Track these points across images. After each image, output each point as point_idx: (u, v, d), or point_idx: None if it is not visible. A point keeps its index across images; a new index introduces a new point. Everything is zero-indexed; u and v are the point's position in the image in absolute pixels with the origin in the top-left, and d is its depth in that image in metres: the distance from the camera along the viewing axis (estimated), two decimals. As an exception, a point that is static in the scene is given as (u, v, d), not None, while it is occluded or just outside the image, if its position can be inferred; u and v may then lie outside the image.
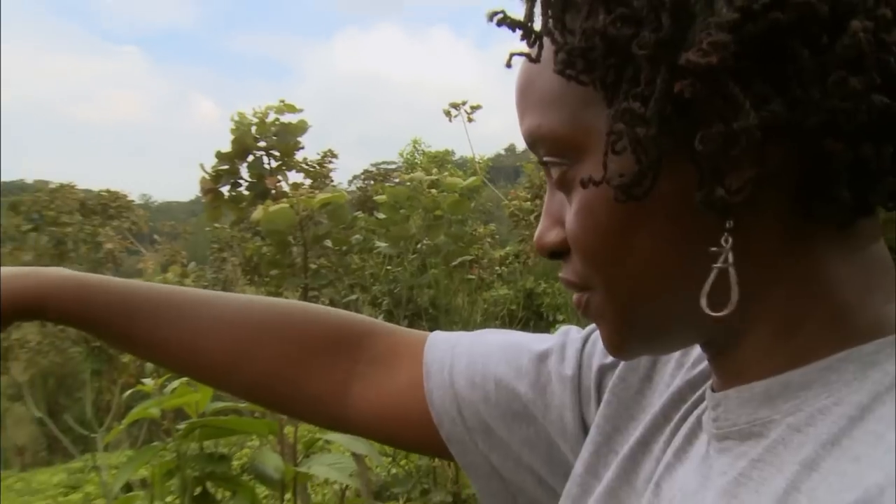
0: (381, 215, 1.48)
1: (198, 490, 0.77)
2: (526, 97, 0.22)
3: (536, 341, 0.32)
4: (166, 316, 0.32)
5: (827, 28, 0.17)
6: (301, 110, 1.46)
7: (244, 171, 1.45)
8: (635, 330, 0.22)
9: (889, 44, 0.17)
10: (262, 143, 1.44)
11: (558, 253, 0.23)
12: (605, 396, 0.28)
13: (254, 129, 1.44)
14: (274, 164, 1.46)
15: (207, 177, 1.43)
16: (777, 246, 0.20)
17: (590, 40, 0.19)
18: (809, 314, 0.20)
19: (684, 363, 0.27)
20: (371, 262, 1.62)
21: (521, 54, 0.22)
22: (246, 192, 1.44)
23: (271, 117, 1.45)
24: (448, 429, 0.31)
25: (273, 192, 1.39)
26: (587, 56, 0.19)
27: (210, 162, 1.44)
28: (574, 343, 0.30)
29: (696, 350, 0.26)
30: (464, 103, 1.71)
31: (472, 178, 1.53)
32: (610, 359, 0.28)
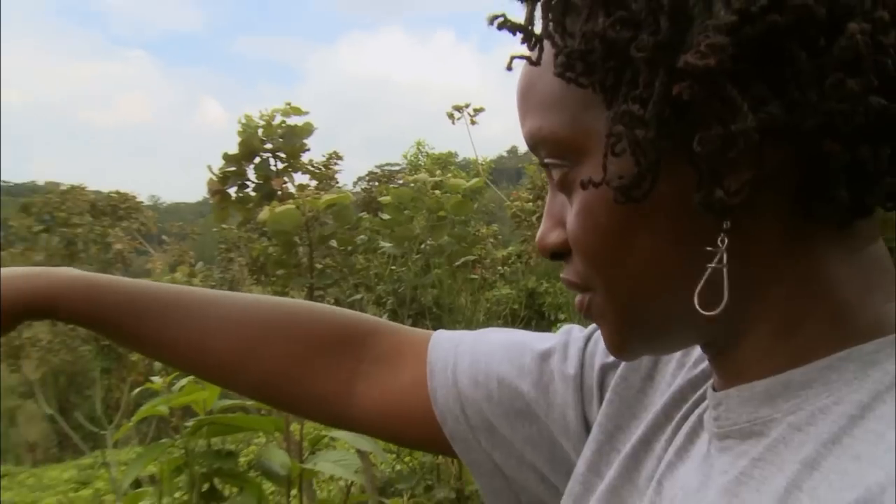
0: (386, 216, 1.49)
1: (205, 486, 0.78)
2: (527, 100, 0.23)
3: (539, 340, 0.32)
4: (174, 316, 0.33)
5: (824, 30, 0.17)
6: (307, 113, 1.47)
7: (251, 173, 1.46)
8: (635, 330, 0.22)
9: (886, 46, 0.17)
10: (268, 146, 1.46)
11: (560, 254, 0.23)
12: (608, 395, 0.28)
13: (260, 131, 1.45)
14: (280, 165, 1.47)
15: (215, 178, 1.45)
16: (776, 246, 0.20)
17: (589, 43, 0.19)
18: (809, 314, 0.20)
19: (685, 363, 0.27)
20: (376, 262, 1.63)
21: (521, 57, 0.22)
22: (253, 194, 1.46)
23: (277, 120, 1.46)
24: (451, 427, 0.31)
25: (279, 193, 1.40)
26: (587, 59, 0.19)
27: (217, 164, 1.46)
28: (576, 342, 0.30)
29: (697, 349, 0.26)
30: (467, 106, 1.71)
31: (474, 180, 1.53)
32: (612, 358, 0.28)
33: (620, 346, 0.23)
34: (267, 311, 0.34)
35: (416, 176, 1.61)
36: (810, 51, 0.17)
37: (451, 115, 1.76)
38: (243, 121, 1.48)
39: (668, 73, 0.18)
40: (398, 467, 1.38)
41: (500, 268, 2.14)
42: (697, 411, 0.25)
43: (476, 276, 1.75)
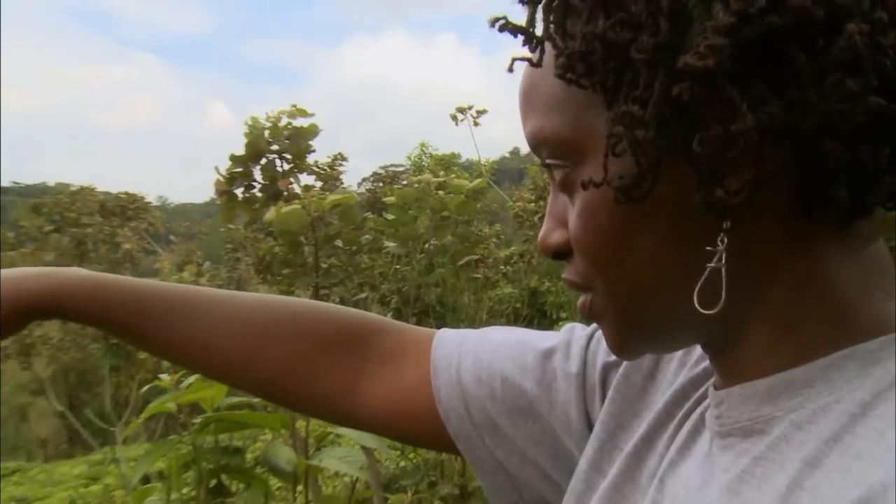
0: (390, 216, 1.50)
1: (213, 482, 0.79)
2: (529, 101, 0.23)
3: (541, 339, 0.32)
4: (181, 316, 0.33)
5: (823, 31, 0.17)
6: (312, 115, 1.48)
7: (257, 174, 1.47)
8: (636, 330, 0.22)
9: (885, 46, 0.17)
10: (274, 147, 1.47)
11: (562, 253, 0.23)
12: (610, 394, 0.28)
13: (267, 133, 1.47)
14: (286, 166, 1.49)
15: (222, 179, 1.46)
16: (777, 246, 0.20)
17: (590, 45, 0.19)
18: (810, 313, 0.20)
19: (687, 361, 0.27)
20: (380, 262, 1.64)
21: (523, 59, 0.22)
22: (259, 194, 1.47)
23: (283, 121, 1.47)
24: (455, 425, 0.32)
25: (285, 193, 1.41)
26: (587, 60, 0.19)
27: (224, 165, 1.48)
28: (579, 341, 0.31)
29: (699, 348, 0.26)
30: (469, 108, 1.71)
31: (477, 181, 1.54)
32: (614, 356, 0.28)
33: (621, 345, 0.23)
34: (272, 311, 0.34)
35: (419, 177, 1.62)
36: (809, 51, 0.17)
37: (454, 117, 1.76)
38: (250, 122, 1.50)
39: (667, 74, 0.18)
40: (402, 464, 1.39)
41: (502, 267, 2.14)
42: (699, 409, 0.25)
43: (479, 276, 1.75)
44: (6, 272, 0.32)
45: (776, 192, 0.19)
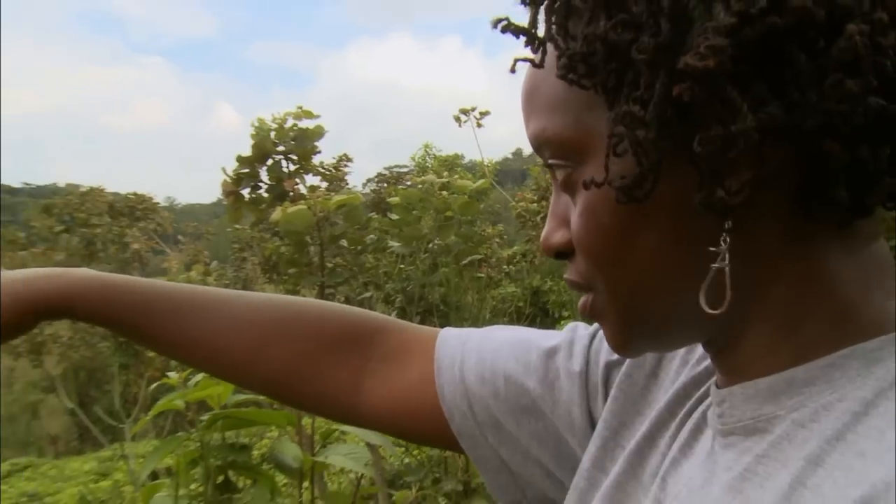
0: (395, 216, 1.51)
1: (220, 478, 0.80)
2: (531, 101, 0.23)
3: (544, 338, 0.32)
4: (188, 316, 0.33)
5: (823, 32, 0.17)
6: (318, 116, 1.49)
7: (264, 175, 1.49)
8: (637, 329, 0.23)
9: (885, 47, 0.17)
10: (280, 148, 1.48)
11: (564, 253, 0.23)
12: (612, 392, 0.28)
13: (273, 134, 1.48)
14: (292, 167, 1.50)
15: (229, 180, 1.48)
16: (777, 246, 0.20)
17: (591, 45, 0.19)
18: (811, 312, 0.20)
19: (689, 360, 0.27)
20: (385, 261, 1.64)
21: (524, 60, 0.22)
22: (265, 195, 1.49)
23: (289, 123, 1.49)
24: (459, 423, 0.32)
25: (291, 194, 1.43)
26: (588, 61, 0.19)
27: (231, 166, 1.49)
28: (581, 340, 0.31)
29: (701, 346, 0.26)
30: (473, 109, 1.72)
31: (480, 181, 1.54)
32: (617, 355, 0.29)
33: (623, 344, 0.23)
34: (278, 311, 0.34)
35: (423, 177, 1.62)
36: (809, 52, 0.17)
37: (457, 119, 1.77)
38: (256, 124, 1.51)
39: (668, 75, 0.18)
40: (407, 460, 1.39)
41: (505, 267, 2.15)
42: (701, 408, 0.25)
43: (482, 275, 1.75)
44: (16, 273, 0.32)
45: (776, 192, 0.19)
